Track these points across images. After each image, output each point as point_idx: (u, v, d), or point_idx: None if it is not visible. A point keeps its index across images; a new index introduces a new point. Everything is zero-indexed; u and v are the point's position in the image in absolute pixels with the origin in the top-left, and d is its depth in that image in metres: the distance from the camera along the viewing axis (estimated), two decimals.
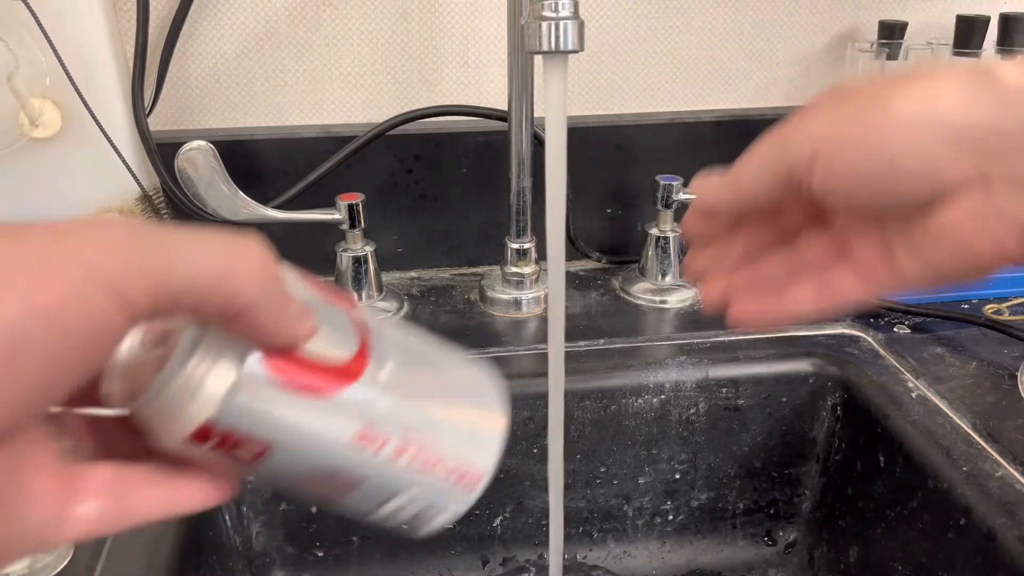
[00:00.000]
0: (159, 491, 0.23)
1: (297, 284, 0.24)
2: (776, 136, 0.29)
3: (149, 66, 0.62)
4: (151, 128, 0.61)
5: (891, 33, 0.67)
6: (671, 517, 0.62)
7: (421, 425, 0.26)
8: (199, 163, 0.55)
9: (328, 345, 0.24)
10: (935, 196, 0.26)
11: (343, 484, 0.25)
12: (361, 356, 0.25)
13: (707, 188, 0.32)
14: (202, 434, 0.22)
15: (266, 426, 0.23)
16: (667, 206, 0.65)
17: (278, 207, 0.60)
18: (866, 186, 0.27)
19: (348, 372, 0.24)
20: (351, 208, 0.60)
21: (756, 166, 0.30)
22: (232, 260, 0.20)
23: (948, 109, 0.25)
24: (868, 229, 0.31)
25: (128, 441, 0.23)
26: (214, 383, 0.22)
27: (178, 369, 0.22)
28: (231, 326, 0.21)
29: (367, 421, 0.25)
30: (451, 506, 0.28)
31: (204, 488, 0.24)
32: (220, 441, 0.22)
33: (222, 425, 0.22)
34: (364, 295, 0.64)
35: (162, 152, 0.61)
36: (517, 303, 0.65)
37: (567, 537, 0.60)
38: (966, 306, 0.64)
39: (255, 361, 0.22)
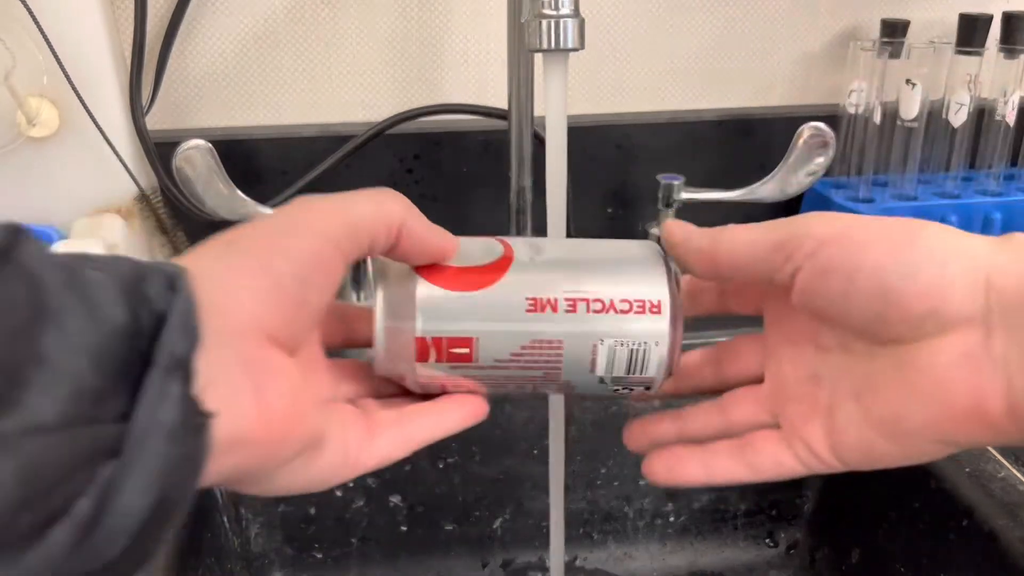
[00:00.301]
0: (429, 419, 0.31)
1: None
2: (788, 218, 0.29)
3: (147, 65, 0.62)
4: (149, 127, 0.61)
5: (893, 32, 0.67)
6: (672, 519, 0.61)
7: (580, 279, 0.32)
8: (197, 162, 0.54)
9: (477, 253, 0.32)
10: (929, 322, 0.26)
11: (550, 353, 0.31)
12: (507, 254, 0.32)
13: (685, 230, 0.32)
14: (422, 350, 0.30)
15: (459, 322, 0.30)
16: (668, 206, 0.65)
17: (277, 206, 0.60)
18: (868, 281, 0.27)
19: (500, 265, 0.32)
20: None
21: (749, 229, 0.30)
22: (380, 196, 0.29)
23: (974, 246, 0.26)
24: (805, 386, 0.31)
25: (400, 399, 0.32)
26: (405, 311, 0.30)
27: (383, 318, 0.30)
28: (399, 251, 0.29)
29: (530, 291, 0.31)
30: (654, 336, 0.32)
31: (462, 409, 0.32)
32: (438, 352, 0.30)
33: (430, 335, 0.30)
34: (363, 295, 0.64)
35: (160, 151, 0.60)
36: None
37: (567, 539, 0.60)
38: None
39: (427, 280, 0.30)
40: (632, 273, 0.32)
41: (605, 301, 0.31)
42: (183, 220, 0.63)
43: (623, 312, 0.31)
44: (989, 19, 0.65)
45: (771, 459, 0.31)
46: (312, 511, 0.58)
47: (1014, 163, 0.73)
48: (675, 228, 0.32)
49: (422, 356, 0.30)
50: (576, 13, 0.40)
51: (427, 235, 0.29)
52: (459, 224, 0.77)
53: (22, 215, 0.61)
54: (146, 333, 0.22)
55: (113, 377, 0.21)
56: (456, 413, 0.32)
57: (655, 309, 0.32)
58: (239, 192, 0.57)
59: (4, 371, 0.18)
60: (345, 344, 0.34)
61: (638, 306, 0.31)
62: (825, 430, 0.30)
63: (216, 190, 0.56)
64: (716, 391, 0.35)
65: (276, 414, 0.25)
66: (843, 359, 0.30)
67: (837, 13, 0.71)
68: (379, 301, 0.31)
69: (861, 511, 0.56)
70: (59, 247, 0.55)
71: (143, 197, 0.62)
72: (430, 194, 0.69)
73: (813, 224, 0.28)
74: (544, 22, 0.39)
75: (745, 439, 0.32)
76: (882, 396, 0.28)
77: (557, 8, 0.39)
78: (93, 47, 0.58)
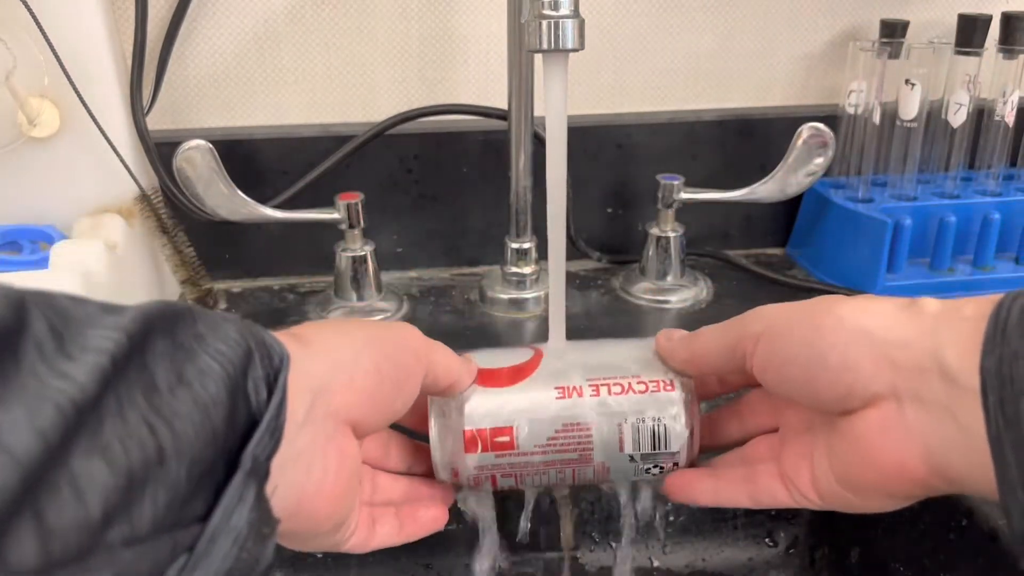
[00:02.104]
0: (390, 528, 0.37)
1: (484, 355, 0.38)
2: (739, 316, 0.34)
3: (147, 65, 0.62)
4: (149, 127, 0.61)
5: (893, 32, 0.67)
6: (672, 518, 0.61)
7: (601, 369, 0.37)
8: (198, 162, 0.54)
9: (512, 356, 0.38)
10: (851, 399, 0.29)
11: (581, 436, 0.36)
12: (537, 356, 0.38)
13: (669, 346, 0.37)
14: (470, 442, 0.36)
15: (499, 414, 0.36)
16: (668, 206, 0.65)
17: (277, 207, 0.60)
18: (795, 370, 0.31)
19: (531, 364, 0.37)
20: (350, 208, 0.60)
21: (712, 333, 0.35)
22: (454, 361, 0.36)
23: (876, 324, 0.29)
24: (800, 436, 0.34)
25: (391, 490, 0.38)
26: (454, 410, 0.36)
27: (436, 418, 0.36)
28: (444, 393, 0.36)
29: (558, 382, 0.36)
30: (671, 411, 0.36)
31: (417, 524, 0.38)
32: (483, 443, 0.36)
33: (475, 427, 0.36)
34: (363, 295, 0.64)
35: (160, 152, 0.60)
36: (517, 303, 0.65)
37: (567, 540, 0.60)
38: None
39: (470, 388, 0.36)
40: (646, 361, 0.37)
41: (624, 384, 0.36)
42: (184, 220, 0.64)
43: (641, 393, 0.36)
44: (988, 19, 0.65)
45: (767, 493, 0.35)
46: None
47: (1013, 163, 0.73)
48: (662, 343, 0.37)
49: (471, 448, 0.36)
50: (576, 13, 0.40)
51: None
52: (459, 224, 0.77)
53: (23, 215, 0.61)
54: (237, 433, 0.24)
55: (198, 480, 0.22)
56: (414, 525, 0.37)
57: (668, 387, 0.36)
58: (239, 192, 0.57)
59: (129, 475, 0.19)
60: (414, 428, 0.39)
61: (653, 386, 0.36)
62: (811, 477, 0.33)
63: (217, 190, 0.56)
64: (741, 443, 0.39)
65: (337, 491, 0.30)
66: (825, 418, 0.33)
67: (837, 13, 0.71)
68: (432, 405, 0.36)
69: None
70: (60, 247, 0.55)
71: (144, 197, 0.62)
72: (430, 194, 0.69)
73: (748, 324, 0.33)
74: (544, 22, 0.39)
75: (750, 471, 0.36)
76: (837, 457, 0.32)
77: (557, 8, 0.39)
78: (94, 47, 0.58)
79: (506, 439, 0.35)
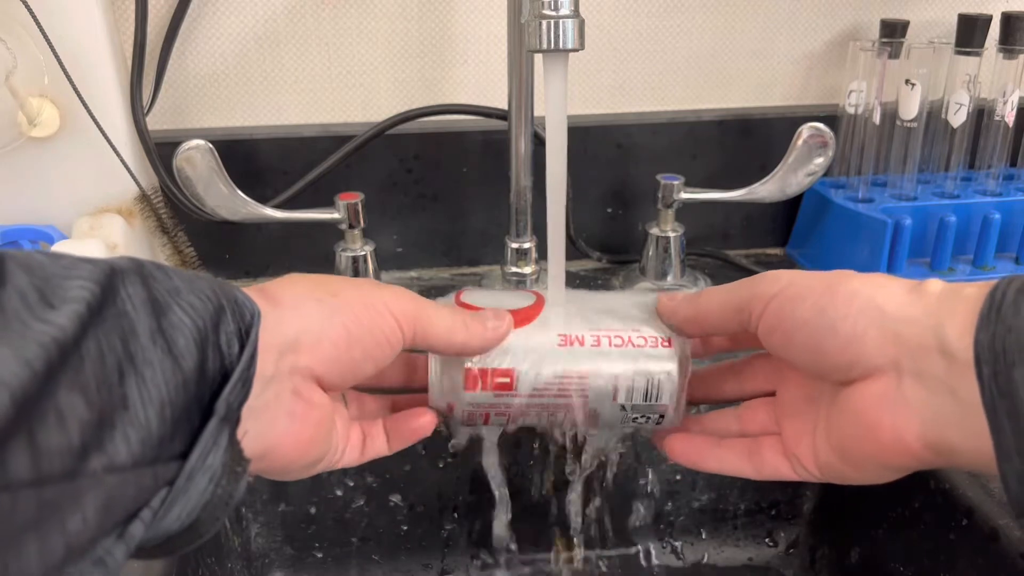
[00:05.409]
0: (380, 443, 0.38)
1: (485, 294, 0.39)
2: (748, 278, 0.35)
3: (147, 65, 0.62)
4: (149, 127, 0.61)
5: (893, 32, 0.67)
6: (672, 518, 0.61)
7: (604, 320, 0.38)
8: (198, 162, 0.54)
9: (515, 300, 0.39)
10: (854, 369, 0.30)
11: (579, 383, 0.37)
12: (539, 301, 0.39)
13: (672, 303, 0.37)
14: (471, 380, 0.37)
15: (502, 356, 0.37)
16: (668, 206, 0.65)
17: (277, 207, 0.60)
18: (803, 335, 0.32)
19: (535, 309, 0.38)
20: (350, 208, 0.60)
21: (718, 292, 0.36)
22: (457, 322, 0.35)
23: (886, 299, 0.30)
24: (801, 409, 0.35)
25: (377, 410, 0.40)
26: (457, 360, 0.36)
27: (436, 362, 0.37)
28: (443, 352, 0.36)
29: (559, 329, 0.37)
30: (666, 367, 0.37)
31: (403, 434, 0.38)
32: (483, 382, 0.37)
33: (478, 366, 0.36)
34: None
35: (160, 151, 0.60)
36: None
37: (567, 540, 0.60)
38: None
39: None
40: (646, 315, 0.38)
41: (624, 337, 0.37)
42: (184, 220, 0.64)
43: (639, 347, 0.37)
44: (988, 19, 0.65)
45: (771, 466, 0.36)
46: (312, 511, 0.58)
47: (1013, 163, 0.73)
48: (664, 302, 0.38)
49: (471, 386, 0.37)
50: (576, 13, 0.40)
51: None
52: (459, 224, 0.77)
53: (23, 215, 0.61)
54: (208, 381, 0.26)
55: (173, 424, 0.24)
56: (400, 438, 0.38)
57: (665, 343, 0.37)
58: (240, 192, 0.57)
59: (100, 414, 0.22)
60: (404, 386, 0.40)
61: (652, 341, 0.37)
62: (811, 449, 0.34)
63: (217, 190, 0.56)
64: (736, 401, 0.40)
65: (302, 438, 0.31)
66: (826, 388, 0.34)
67: (837, 13, 0.71)
68: (431, 368, 0.37)
69: (861, 511, 0.56)
70: (60, 247, 0.55)
71: (144, 197, 0.62)
72: (430, 194, 0.69)
73: (762, 284, 0.33)
74: (544, 22, 0.39)
75: (755, 443, 0.37)
76: (834, 428, 0.33)
77: (557, 8, 0.39)
78: (94, 47, 0.58)
79: (506, 380, 0.37)
